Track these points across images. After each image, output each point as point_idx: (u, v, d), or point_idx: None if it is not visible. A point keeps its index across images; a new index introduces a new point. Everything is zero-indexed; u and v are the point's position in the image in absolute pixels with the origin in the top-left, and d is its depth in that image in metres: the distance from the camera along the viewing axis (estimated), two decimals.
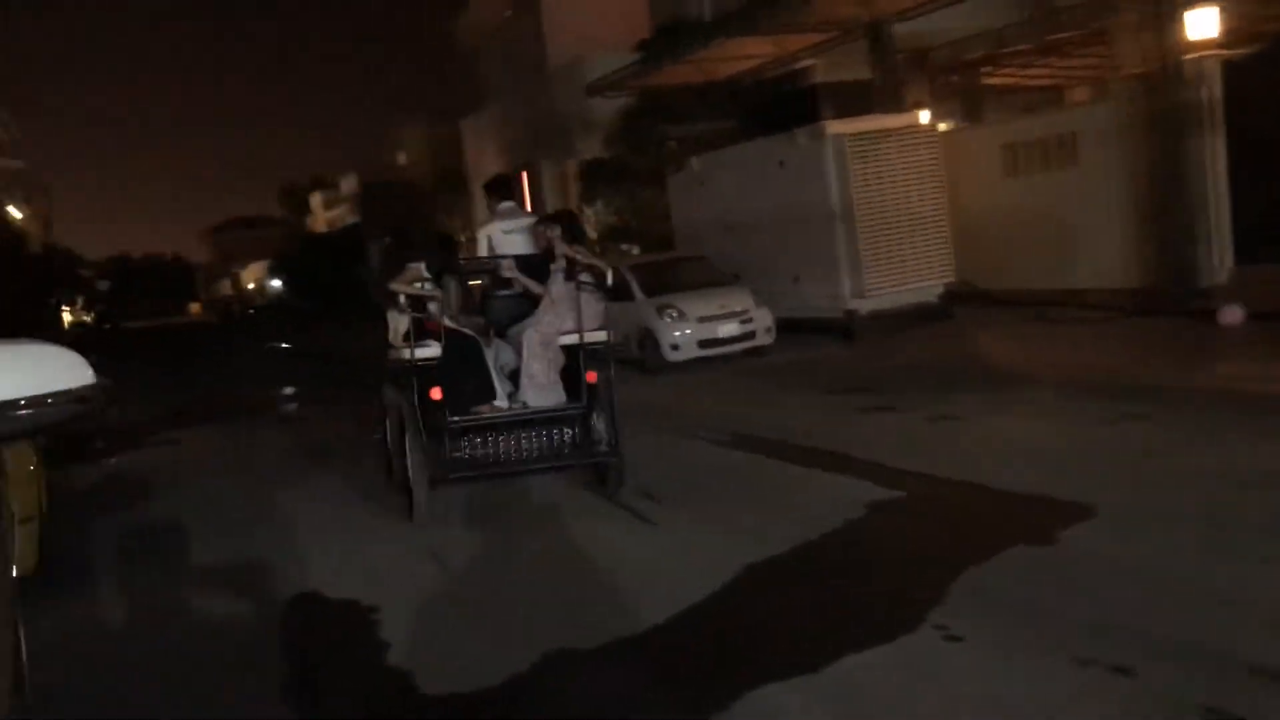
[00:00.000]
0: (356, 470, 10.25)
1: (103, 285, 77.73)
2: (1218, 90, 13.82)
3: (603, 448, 7.81)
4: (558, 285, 8.03)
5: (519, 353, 8.13)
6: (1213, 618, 4.58)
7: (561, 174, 32.44)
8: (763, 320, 14.99)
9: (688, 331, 14.58)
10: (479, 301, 9.04)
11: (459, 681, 4.81)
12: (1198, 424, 8.12)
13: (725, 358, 14.75)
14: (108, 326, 63.42)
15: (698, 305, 14.75)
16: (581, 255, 8.05)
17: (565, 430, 7.96)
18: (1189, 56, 13.77)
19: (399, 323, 7.96)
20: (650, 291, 15.26)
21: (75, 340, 42.99)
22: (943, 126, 17.16)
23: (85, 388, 2.40)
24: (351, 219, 62.83)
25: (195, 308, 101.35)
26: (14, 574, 4.26)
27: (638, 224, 24.79)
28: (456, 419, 7.68)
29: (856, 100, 18.67)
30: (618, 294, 15.65)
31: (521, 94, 36.67)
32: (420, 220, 39.54)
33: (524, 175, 36.38)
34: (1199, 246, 14.01)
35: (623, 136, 25.31)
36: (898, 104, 17.80)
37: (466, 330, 8.18)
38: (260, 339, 35.72)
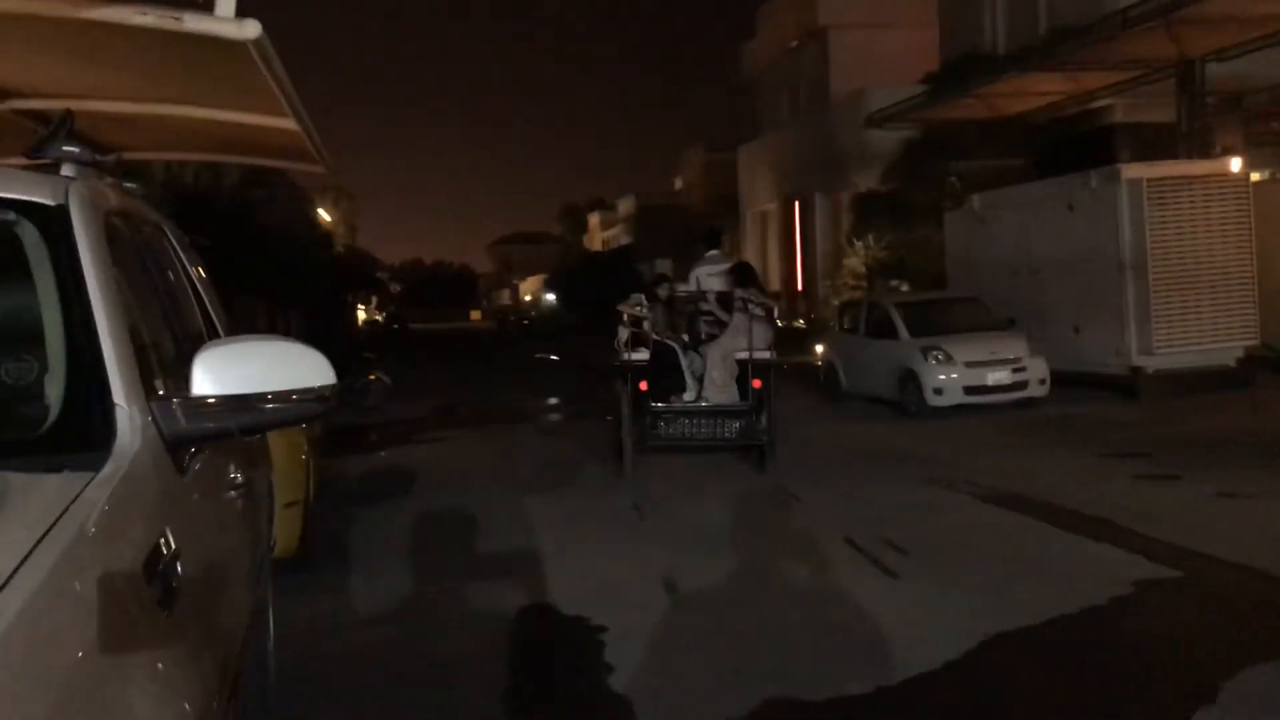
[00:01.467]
0: (605, 487, 10.44)
1: (395, 288, 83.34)
2: None
3: (762, 435, 10.55)
4: (737, 316, 10.84)
5: (706, 362, 10.87)
6: None
7: (835, 204, 32.07)
8: (1037, 370, 14.14)
9: (953, 376, 13.95)
10: (686, 322, 11.75)
11: (675, 717, 4.70)
12: None
13: (993, 407, 14.02)
14: (396, 327, 67.86)
15: (966, 349, 14.09)
16: (754, 295, 10.84)
17: (735, 421, 10.65)
18: None
19: (622, 334, 10.89)
20: (916, 331, 14.73)
21: (368, 338, 46.23)
22: (1255, 176, 15.70)
23: (326, 387, 2.44)
24: (626, 239, 64.60)
25: (475, 314, 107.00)
26: (271, 554, 4.50)
27: (911, 261, 24.11)
28: (657, 405, 10.69)
29: (1158, 144, 17.44)
30: (881, 332, 15.28)
31: (801, 123, 36.60)
32: (691, 244, 40.11)
33: (796, 205, 36.24)
34: None
35: (901, 170, 24.70)
36: (1205, 150, 16.46)
37: (670, 341, 11.12)
38: (531, 349, 37.21)
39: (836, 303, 22.20)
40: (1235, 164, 14.87)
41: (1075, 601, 5.92)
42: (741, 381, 10.66)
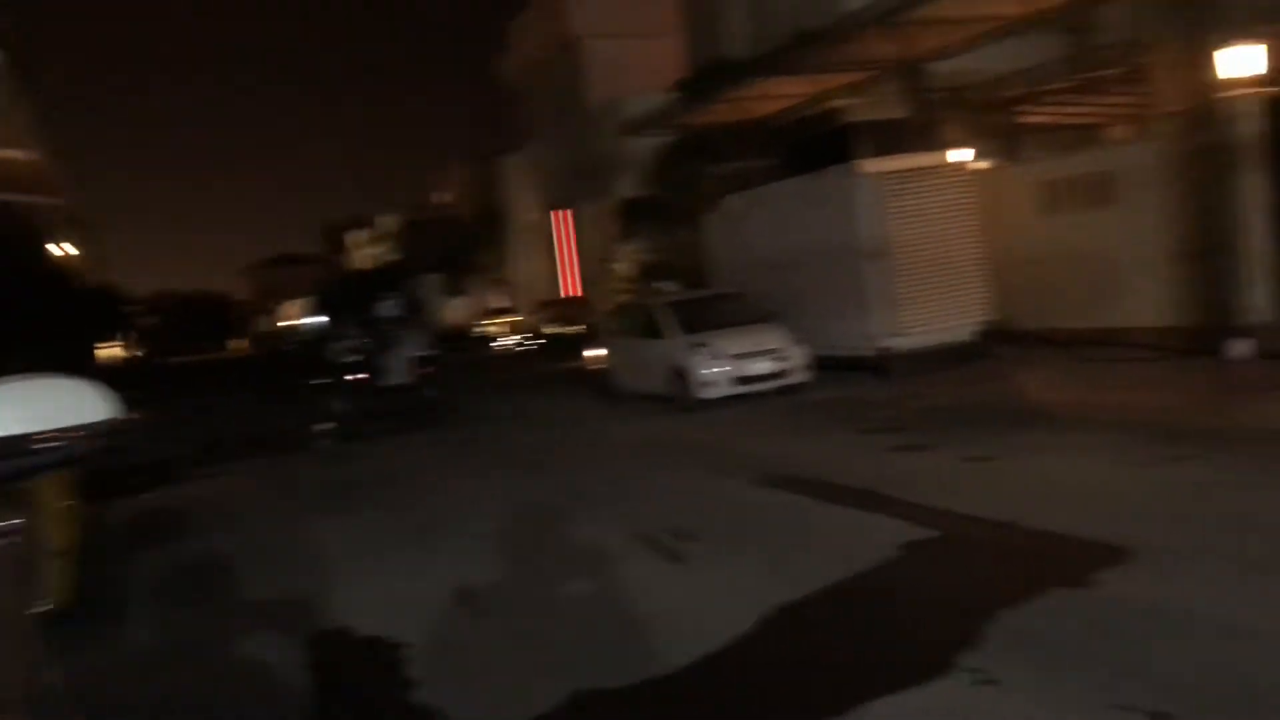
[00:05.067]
0: (385, 508, 10.32)
1: (149, 320, 78.75)
2: (1259, 128, 13.66)
3: (428, 403, 17.16)
4: (406, 331, 17.88)
5: (391, 360, 17.49)
6: (1248, 659, 4.47)
7: (599, 212, 32.61)
8: (798, 358, 14.92)
9: (721, 368, 14.54)
10: (377, 335, 17.88)
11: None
12: (1240, 466, 7.96)
13: (759, 395, 14.69)
14: (151, 362, 64.07)
15: (731, 343, 14.71)
16: (419, 320, 18.54)
17: (409, 394, 17.24)
18: (1229, 94, 13.62)
19: (338, 345, 17.87)
20: (684, 329, 15.25)
21: (114, 374, 43.46)
22: (983, 165, 17.06)
23: (108, 422, 2.38)
24: (392, 255, 63.38)
25: (239, 343, 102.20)
26: (46, 609, 4.29)
27: (677, 262, 24.83)
28: (362, 387, 17.10)
29: (892, 139, 18.66)
30: (652, 331, 15.73)
31: (560, 133, 36.98)
32: (461, 254, 39.80)
33: (563, 214, 36.57)
34: (1240, 285, 13.81)
35: (660, 175, 25.42)
36: (934, 143, 17.74)
37: (367, 347, 17.63)
38: (298, 375, 35.87)
39: (610, 307, 22.62)
40: (954, 155, 16.14)
41: (849, 568, 6.37)
42: (413, 370, 17.45)
